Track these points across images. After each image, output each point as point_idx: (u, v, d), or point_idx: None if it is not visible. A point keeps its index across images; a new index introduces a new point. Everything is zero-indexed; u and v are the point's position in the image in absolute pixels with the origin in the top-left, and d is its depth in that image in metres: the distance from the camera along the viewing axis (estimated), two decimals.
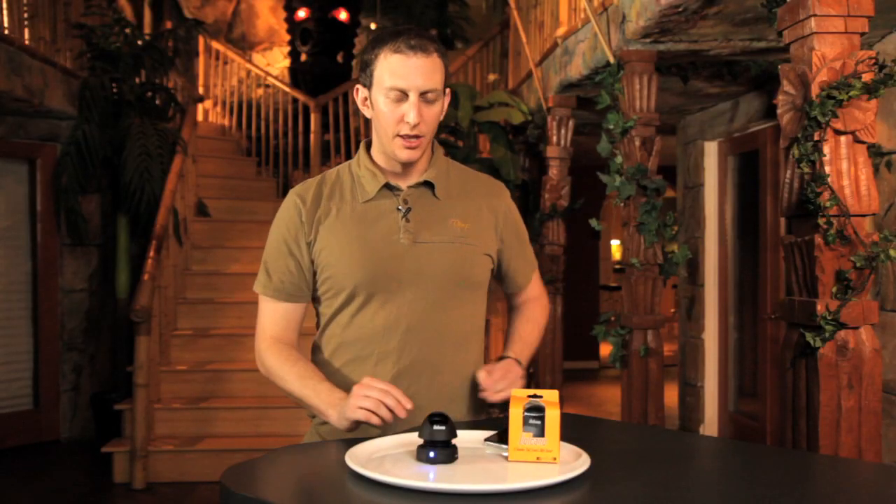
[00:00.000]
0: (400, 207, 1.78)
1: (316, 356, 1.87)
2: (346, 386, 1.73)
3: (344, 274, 1.76)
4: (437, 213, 1.80)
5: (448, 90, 1.80)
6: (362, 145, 1.86)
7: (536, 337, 1.97)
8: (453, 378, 1.81)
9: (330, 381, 1.77)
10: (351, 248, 1.76)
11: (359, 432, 1.75)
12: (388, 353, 1.76)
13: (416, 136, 1.73)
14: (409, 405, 1.59)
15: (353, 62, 9.63)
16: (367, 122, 8.09)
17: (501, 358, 1.87)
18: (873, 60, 2.44)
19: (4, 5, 5.23)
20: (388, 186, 1.80)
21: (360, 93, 1.79)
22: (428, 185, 1.82)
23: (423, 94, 1.70)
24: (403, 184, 1.81)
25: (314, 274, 1.82)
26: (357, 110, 8.07)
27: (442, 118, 1.80)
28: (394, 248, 1.75)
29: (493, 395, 1.76)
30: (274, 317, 1.83)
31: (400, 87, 1.70)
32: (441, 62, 1.74)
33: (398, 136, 1.73)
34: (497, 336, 6.12)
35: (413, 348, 1.76)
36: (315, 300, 1.86)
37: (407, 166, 1.79)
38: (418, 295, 1.76)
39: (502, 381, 1.77)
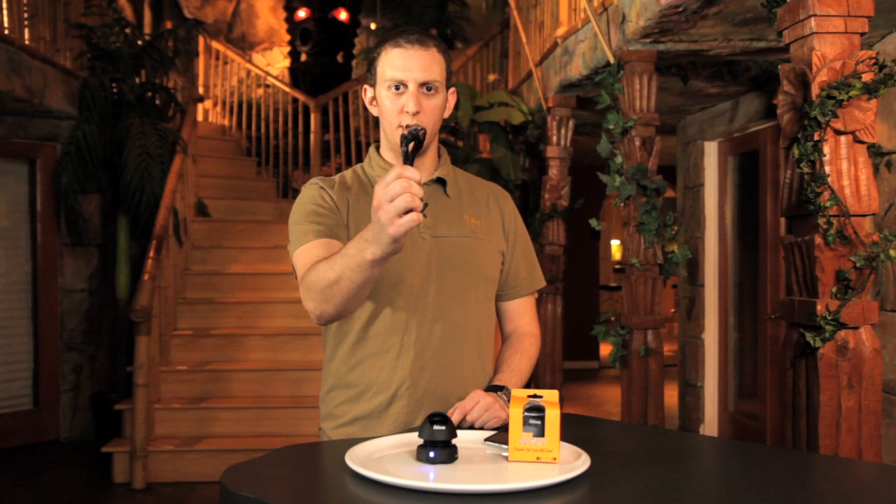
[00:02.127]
0: None
1: (331, 351, 1.86)
2: (365, 382, 1.77)
3: None
4: (451, 209, 1.85)
5: (453, 88, 1.86)
6: (372, 148, 1.91)
7: (527, 368, 1.89)
8: (474, 373, 1.84)
9: (349, 375, 1.80)
10: None
11: (358, 432, 1.76)
12: (409, 345, 1.77)
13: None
14: (417, 175, 1.42)
15: (353, 62, 9.63)
16: (367, 121, 8.03)
17: (491, 388, 1.80)
18: (873, 60, 2.44)
19: (4, 5, 5.23)
20: None
21: (367, 93, 1.85)
22: (440, 182, 1.86)
23: (421, 85, 1.75)
24: None
25: None
26: (357, 110, 8.10)
27: (448, 115, 1.85)
28: (414, 243, 1.78)
29: (469, 418, 1.70)
30: (318, 251, 1.70)
31: (399, 79, 1.75)
32: (441, 57, 1.79)
33: (400, 126, 1.76)
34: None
35: (434, 341, 1.78)
36: None
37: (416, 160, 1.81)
38: (438, 288, 1.79)
39: (483, 415, 1.70)
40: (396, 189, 1.39)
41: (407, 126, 1.66)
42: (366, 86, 1.85)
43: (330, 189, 1.82)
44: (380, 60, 1.79)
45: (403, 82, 1.75)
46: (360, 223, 1.79)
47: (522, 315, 1.97)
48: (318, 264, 1.64)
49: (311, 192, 1.82)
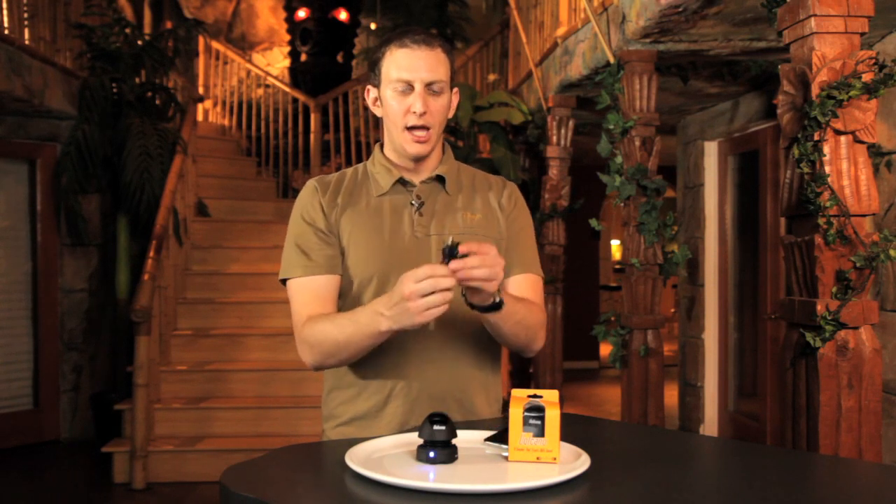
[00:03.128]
0: (413, 202, 1.82)
1: None
2: (363, 382, 1.79)
3: (361, 265, 1.78)
4: (448, 206, 1.84)
5: (456, 89, 1.85)
6: (377, 146, 1.91)
7: (524, 310, 1.73)
8: (472, 374, 1.83)
9: (347, 376, 1.81)
10: (367, 240, 1.79)
11: (356, 431, 1.76)
12: (406, 346, 1.77)
13: (425, 128, 1.77)
14: (453, 278, 1.50)
15: (353, 62, 9.63)
16: (367, 121, 8.01)
17: None
18: (873, 60, 2.44)
19: (4, 5, 5.23)
20: (401, 181, 1.83)
21: (370, 93, 1.84)
22: (439, 179, 1.85)
23: (428, 86, 1.76)
24: (416, 179, 1.84)
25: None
26: (357, 110, 8.10)
27: (451, 115, 1.84)
28: (407, 241, 1.78)
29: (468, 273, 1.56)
30: (310, 295, 1.78)
31: (405, 79, 1.75)
32: (446, 57, 1.79)
33: (407, 128, 1.77)
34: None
35: (431, 341, 1.78)
36: None
37: (418, 162, 1.83)
38: None
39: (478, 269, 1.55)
40: (427, 287, 1.50)
41: (449, 244, 1.53)
42: (369, 86, 1.84)
43: (324, 194, 1.82)
44: (384, 61, 1.78)
45: (410, 83, 1.75)
46: (354, 223, 1.80)
47: (525, 291, 1.84)
48: (322, 322, 1.72)
49: (305, 201, 1.83)
